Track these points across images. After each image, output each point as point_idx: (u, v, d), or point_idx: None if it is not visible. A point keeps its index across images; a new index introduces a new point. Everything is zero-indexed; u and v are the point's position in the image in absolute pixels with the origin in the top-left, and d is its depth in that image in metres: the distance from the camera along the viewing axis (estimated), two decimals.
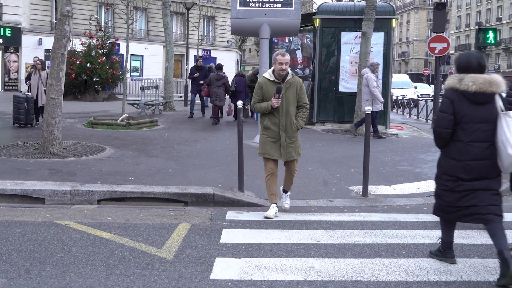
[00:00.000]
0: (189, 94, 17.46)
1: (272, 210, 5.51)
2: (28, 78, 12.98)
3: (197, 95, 16.15)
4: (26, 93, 12.39)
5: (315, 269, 3.92)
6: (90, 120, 13.07)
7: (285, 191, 5.94)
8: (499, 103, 3.73)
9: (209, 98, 15.62)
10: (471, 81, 3.70)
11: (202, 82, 15.50)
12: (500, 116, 3.69)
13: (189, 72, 16.68)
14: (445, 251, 4.07)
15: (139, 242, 4.48)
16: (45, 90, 11.72)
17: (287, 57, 5.52)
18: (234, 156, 7.72)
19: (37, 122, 12.11)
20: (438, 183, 4.00)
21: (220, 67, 14.70)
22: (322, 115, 14.88)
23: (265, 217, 5.42)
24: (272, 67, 5.59)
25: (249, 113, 16.94)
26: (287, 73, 5.52)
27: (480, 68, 3.79)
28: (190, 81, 17.05)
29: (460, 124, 3.76)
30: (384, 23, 14.26)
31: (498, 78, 3.76)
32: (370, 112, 6.90)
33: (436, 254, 4.16)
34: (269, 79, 5.54)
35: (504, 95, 3.67)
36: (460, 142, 3.77)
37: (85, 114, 15.78)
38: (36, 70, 12.25)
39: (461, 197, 3.79)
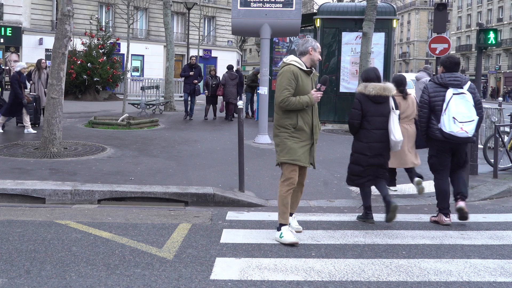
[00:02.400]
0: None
1: (292, 234, 4.64)
2: (28, 77, 12.91)
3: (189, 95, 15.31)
4: (32, 93, 12.37)
5: (315, 270, 3.92)
6: (90, 120, 13.07)
7: (291, 214, 4.91)
8: (391, 103, 5.27)
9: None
10: (372, 88, 5.27)
11: (196, 81, 15.10)
12: (390, 112, 5.25)
13: (182, 70, 15.68)
14: (366, 214, 5.45)
15: (140, 242, 4.48)
16: (45, 91, 11.72)
17: None
18: (235, 156, 7.72)
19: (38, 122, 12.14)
20: (350, 158, 5.52)
21: (231, 67, 15.59)
22: (323, 116, 14.87)
23: (292, 244, 4.51)
24: (295, 57, 4.72)
25: (249, 113, 16.98)
26: None
27: (378, 78, 5.39)
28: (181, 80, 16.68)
29: (365, 117, 5.28)
30: (384, 23, 14.25)
31: (390, 85, 5.34)
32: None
33: (361, 217, 5.48)
34: (301, 68, 4.63)
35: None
36: (366, 130, 5.29)
37: (86, 113, 15.79)
38: (36, 70, 12.17)
39: (363, 170, 5.32)
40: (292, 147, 4.60)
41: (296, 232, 4.86)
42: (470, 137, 5.13)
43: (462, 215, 5.32)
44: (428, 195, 6.93)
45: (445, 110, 5.09)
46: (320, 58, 4.78)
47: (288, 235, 4.55)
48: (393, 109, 5.25)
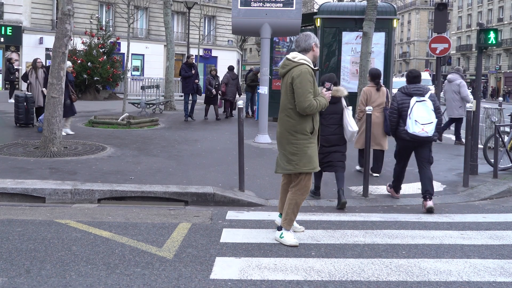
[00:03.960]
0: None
1: (292, 235, 4.61)
2: (25, 76, 12.70)
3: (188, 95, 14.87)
4: (26, 92, 12.29)
5: (315, 269, 3.92)
6: (90, 119, 13.07)
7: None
8: (343, 103, 6.13)
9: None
10: None
11: (197, 81, 14.74)
12: (344, 109, 6.11)
13: (182, 69, 14.98)
14: (315, 192, 6.52)
15: (140, 241, 4.48)
16: (42, 91, 11.58)
17: None
18: (235, 155, 7.72)
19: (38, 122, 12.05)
20: None
21: (232, 68, 16.31)
22: None
23: (293, 246, 4.48)
24: (302, 55, 4.52)
25: (250, 112, 16.99)
26: None
27: (334, 83, 5.97)
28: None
29: (322, 115, 6.00)
30: (385, 23, 14.23)
31: (342, 88, 6.12)
32: (370, 113, 6.93)
33: (310, 193, 6.38)
34: (313, 68, 4.47)
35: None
36: (323, 125, 5.97)
37: (86, 113, 15.78)
38: (32, 69, 11.89)
39: (323, 157, 6.10)
40: (311, 155, 4.46)
41: (299, 232, 4.86)
42: (430, 136, 6.10)
43: (430, 212, 6.07)
44: None
45: (409, 114, 6.09)
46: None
47: (288, 236, 4.54)
48: (345, 107, 6.11)
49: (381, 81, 8.06)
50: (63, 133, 10.66)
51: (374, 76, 7.79)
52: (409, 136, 6.10)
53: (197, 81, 14.87)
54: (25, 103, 11.64)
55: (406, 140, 6.20)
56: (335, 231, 5.02)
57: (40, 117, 11.26)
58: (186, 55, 16.17)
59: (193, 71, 14.70)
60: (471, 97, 11.73)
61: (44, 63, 12.74)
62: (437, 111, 6.14)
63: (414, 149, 6.32)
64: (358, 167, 8.21)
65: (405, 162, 6.54)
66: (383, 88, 7.82)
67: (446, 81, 12.13)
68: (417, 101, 6.11)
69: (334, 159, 6.20)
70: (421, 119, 6.02)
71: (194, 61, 15.25)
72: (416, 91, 6.20)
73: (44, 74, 11.72)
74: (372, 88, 7.77)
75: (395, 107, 6.34)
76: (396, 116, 6.32)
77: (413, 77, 6.37)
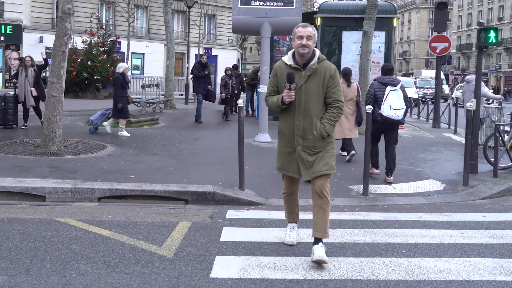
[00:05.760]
0: (190, 92, 16.16)
1: (291, 234, 4.46)
2: (15, 76, 12.14)
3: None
4: (7, 92, 12.06)
5: (315, 268, 3.92)
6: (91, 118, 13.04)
7: (316, 240, 4.04)
8: None
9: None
10: None
11: (210, 86, 14.19)
12: None
13: (195, 68, 14.31)
14: None
15: (140, 240, 4.49)
16: (31, 91, 11.18)
17: (311, 29, 4.07)
18: (235, 154, 7.72)
19: (25, 124, 11.57)
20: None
21: (236, 67, 17.15)
22: None
23: (286, 244, 4.44)
24: (293, 49, 4.21)
25: (250, 111, 16.99)
26: (313, 55, 4.08)
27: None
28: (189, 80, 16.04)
29: None
30: (385, 22, 14.21)
31: None
32: (370, 112, 6.94)
33: None
34: (286, 63, 4.13)
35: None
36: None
37: (86, 112, 15.77)
38: (23, 69, 11.40)
39: None
40: (277, 153, 4.35)
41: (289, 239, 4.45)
42: (400, 120, 7.37)
43: (389, 184, 7.37)
44: (428, 194, 6.94)
45: (384, 100, 7.26)
46: (301, 42, 3.99)
47: (288, 235, 4.53)
48: None
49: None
50: (119, 134, 10.65)
51: (345, 74, 8.91)
52: (383, 119, 7.29)
53: (210, 86, 14.28)
54: (3, 103, 11.19)
55: (380, 122, 7.35)
56: (335, 230, 5.02)
57: (91, 118, 11.25)
58: (199, 54, 16.10)
59: (206, 72, 14.08)
60: (490, 94, 12.53)
61: (37, 61, 12.33)
62: (405, 99, 7.38)
63: (385, 131, 7.52)
64: (340, 152, 9.26)
65: (377, 141, 7.73)
66: (353, 84, 8.97)
67: (464, 82, 12.60)
68: (391, 90, 7.30)
69: None
70: (394, 105, 7.24)
71: (206, 61, 14.40)
72: (391, 82, 7.42)
73: (34, 73, 11.31)
74: (343, 85, 8.67)
75: (372, 93, 7.46)
76: (372, 101, 7.38)
77: (387, 70, 7.61)
